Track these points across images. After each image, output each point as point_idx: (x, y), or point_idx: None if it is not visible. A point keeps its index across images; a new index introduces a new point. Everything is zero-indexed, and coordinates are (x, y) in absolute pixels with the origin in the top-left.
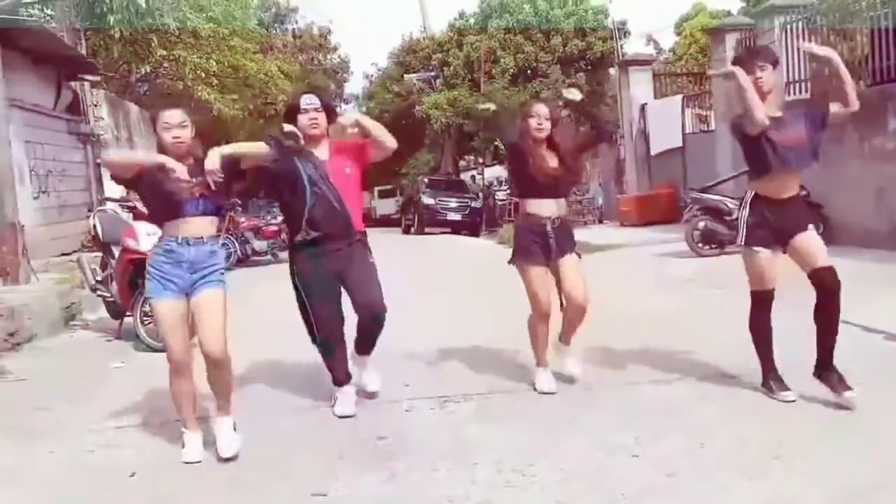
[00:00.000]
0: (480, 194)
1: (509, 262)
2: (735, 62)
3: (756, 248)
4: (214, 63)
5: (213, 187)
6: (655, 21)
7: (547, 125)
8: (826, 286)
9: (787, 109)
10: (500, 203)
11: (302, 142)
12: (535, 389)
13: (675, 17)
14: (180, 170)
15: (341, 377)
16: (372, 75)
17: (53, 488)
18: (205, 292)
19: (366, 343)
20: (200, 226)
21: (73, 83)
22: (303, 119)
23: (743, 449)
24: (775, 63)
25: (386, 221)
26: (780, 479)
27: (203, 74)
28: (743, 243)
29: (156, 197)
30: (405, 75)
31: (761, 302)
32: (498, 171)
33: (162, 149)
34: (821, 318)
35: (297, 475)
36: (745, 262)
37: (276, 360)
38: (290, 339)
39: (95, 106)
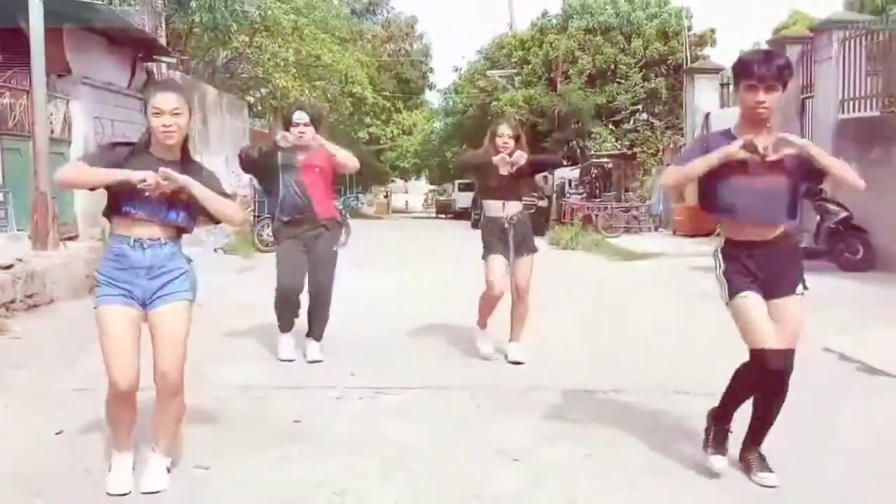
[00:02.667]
0: (550, 194)
1: (482, 258)
2: (739, 67)
3: (744, 294)
4: (293, 52)
5: (182, 196)
6: (751, 31)
7: (511, 143)
8: (776, 368)
9: (778, 143)
10: (571, 205)
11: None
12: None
13: (772, 25)
14: (151, 177)
15: (285, 326)
16: (461, 69)
17: None
18: (163, 307)
19: (316, 322)
20: (158, 228)
21: (148, 65)
22: (293, 131)
23: (623, 463)
24: (787, 82)
25: (464, 214)
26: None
27: (282, 63)
28: (727, 298)
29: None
30: (488, 71)
31: (755, 365)
32: (567, 173)
33: (150, 132)
34: (762, 401)
35: (193, 447)
36: (735, 321)
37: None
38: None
39: None
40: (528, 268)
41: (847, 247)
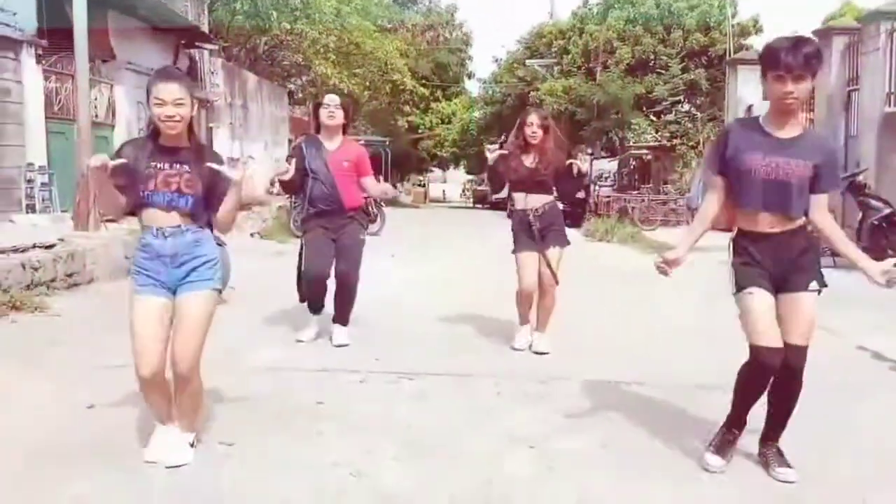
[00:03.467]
0: (588, 186)
1: (512, 252)
2: (766, 57)
3: (749, 290)
4: (334, 39)
5: (194, 183)
6: (799, 20)
7: (539, 132)
8: (790, 365)
9: (807, 133)
10: (604, 197)
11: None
12: (513, 347)
13: (822, 15)
14: (98, 162)
15: (314, 309)
16: (500, 59)
17: (22, 409)
18: (186, 294)
19: (339, 308)
20: (176, 216)
21: (191, 51)
22: (323, 112)
23: (639, 455)
24: (817, 71)
25: (501, 204)
26: (630, 490)
27: (322, 50)
28: (734, 290)
29: (130, 184)
30: (527, 61)
31: (755, 362)
32: (605, 165)
33: (153, 125)
34: (777, 395)
35: (219, 425)
36: (740, 313)
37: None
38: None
39: (212, 73)
40: (556, 260)
41: (890, 243)
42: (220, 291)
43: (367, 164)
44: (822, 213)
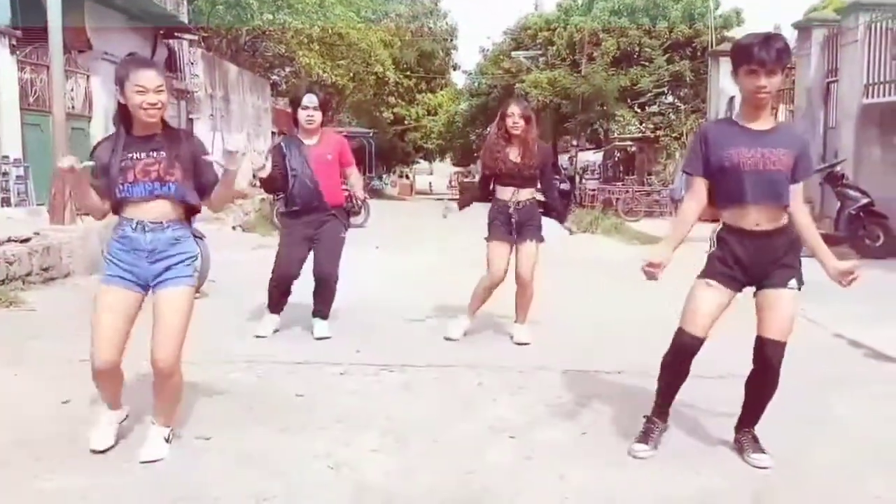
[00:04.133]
0: (573, 177)
1: (485, 238)
2: (737, 53)
3: (709, 281)
4: (318, 29)
5: (174, 169)
6: (782, 12)
7: (521, 123)
8: (768, 361)
9: (781, 126)
10: (589, 190)
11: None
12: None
13: (804, 7)
14: (67, 164)
15: (274, 308)
16: (486, 50)
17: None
18: (164, 290)
19: (319, 303)
20: (158, 209)
21: (169, 41)
22: (302, 114)
23: (618, 443)
24: (787, 64)
25: (489, 197)
26: (612, 477)
27: (306, 40)
28: (698, 276)
29: (107, 176)
30: (513, 52)
31: (680, 346)
32: (591, 157)
33: (125, 113)
34: (754, 388)
35: (196, 419)
36: (688, 294)
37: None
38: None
39: (191, 64)
40: (532, 255)
41: (868, 233)
42: (196, 289)
43: (348, 154)
44: (797, 202)
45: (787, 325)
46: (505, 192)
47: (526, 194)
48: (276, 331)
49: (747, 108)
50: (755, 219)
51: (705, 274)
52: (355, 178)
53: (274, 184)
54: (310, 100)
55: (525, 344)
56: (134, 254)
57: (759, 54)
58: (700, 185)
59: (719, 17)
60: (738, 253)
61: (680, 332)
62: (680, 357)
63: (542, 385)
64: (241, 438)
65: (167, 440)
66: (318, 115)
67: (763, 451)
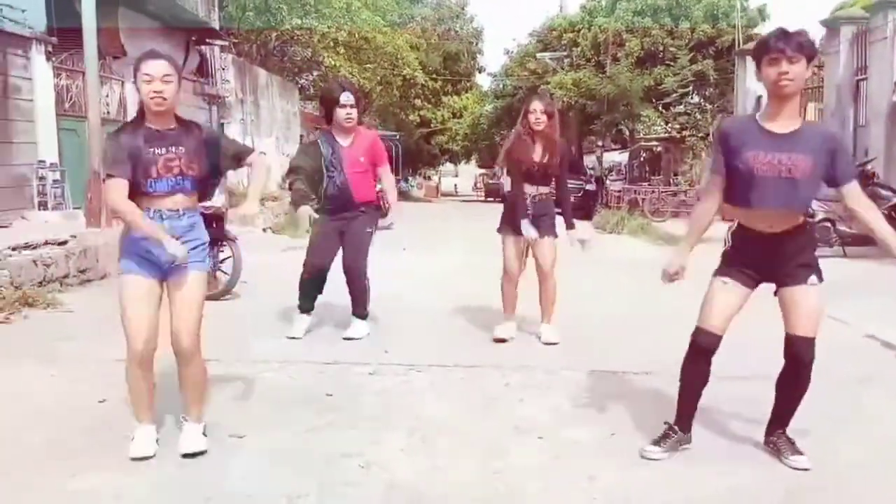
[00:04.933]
0: (599, 178)
1: (497, 231)
2: (759, 46)
3: (724, 279)
4: (345, 33)
5: (193, 163)
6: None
7: (544, 118)
8: (798, 358)
9: (805, 128)
10: (614, 191)
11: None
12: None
13: (831, 5)
14: (179, 254)
15: (304, 306)
16: (511, 51)
17: (34, 404)
18: (181, 276)
19: (354, 300)
20: (176, 199)
21: (201, 47)
22: (340, 112)
23: (644, 444)
24: (812, 56)
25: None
26: (641, 479)
27: (333, 44)
28: (713, 273)
29: (132, 160)
30: (538, 54)
31: (697, 344)
32: (616, 157)
33: (140, 109)
34: (785, 387)
35: (229, 418)
36: (706, 293)
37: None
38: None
39: (222, 69)
40: (551, 249)
41: None
42: (229, 290)
43: (381, 153)
44: (856, 200)
45: (814, 321)
46: (521, 186)
47: (543, 189)
48: (308, 331)
49: (772, 103)
50: (768, 222)
51: (721, 272)
52: (388, 182)
53: (301, 195)
54: (347, 98)
55: (553, 344)
56: (151, 241)
57: (779, 43)
58: (717, 186)
59: (744, 16)
60: (752, 252)
61: (697, 331)
62: (698, 356)
63: (569, 385)
64: (273, 437)
65: (203, 434)
66: (355, 113)
67: (801, 453)
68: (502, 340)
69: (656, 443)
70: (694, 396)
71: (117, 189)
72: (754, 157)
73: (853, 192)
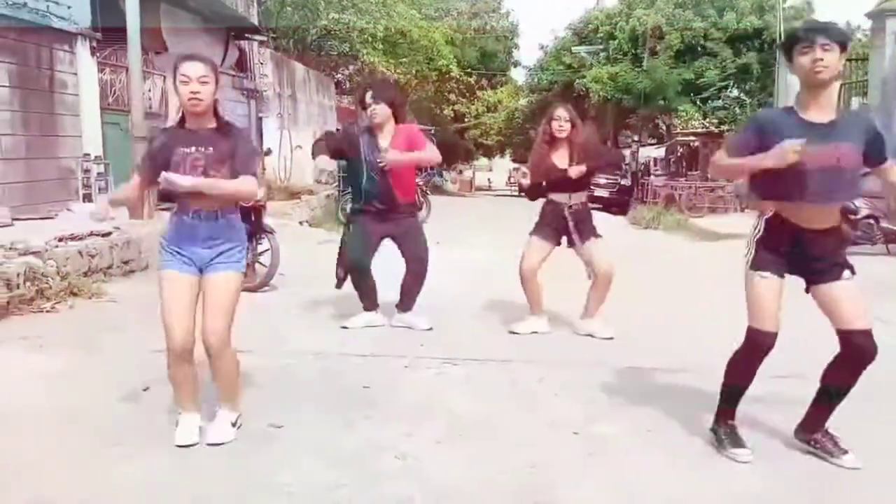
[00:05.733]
0: (635, 173)
1: (530, 234)
2: (789, 37)
3: (763, 274)
4: (381, 28)
5: (220, 164)
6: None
7: (567, 126)
8: (863, 351)
9: (841, 117)
10: (654, 185)
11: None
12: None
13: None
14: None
15: (368, 306)
16: (547, 46)
17: (79, 392)
18: (216, 274)
19: (409, 293)
20: (213, 197)
21: (240, 43)
22: (367, 111)
23: (683, 442)
24: (844, 44)
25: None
26: (686, 477)
27: (370, 38)
28: (748, 265)
29: (153, 164)
30: (574, 48)
31: (755, 345)
32: (652, 152)
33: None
34: (836, 379)
35: (266, 408)
36: (746, 290)
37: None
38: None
39: (261, 64)
40: (603, 249)
41: None
42: (266, 282)
43: (422, 140)
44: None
45: (865, 312)
46: (559, 196)
47: (579, 196)
48: (367, 326)
49: (806, 93)
50: (808, 217)
51: (757, 265)
52: (430, 149)
53: (321, 148)
54: (371, 97)
55: (610, 339)
56: (191, 240)
57: (811, 31)
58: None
59: (790, 9)
60: (786, 244)
61: (753, 332)
62: (754, 356)
63: (604, 382)
64: (310, 428)
65: (234, 425)
66: (380, 109)
67: (847, 451)
68: (532, 333)
69: (738, 444)
70: (740, 396)
71: (129, 183)
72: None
73: (889, 168)
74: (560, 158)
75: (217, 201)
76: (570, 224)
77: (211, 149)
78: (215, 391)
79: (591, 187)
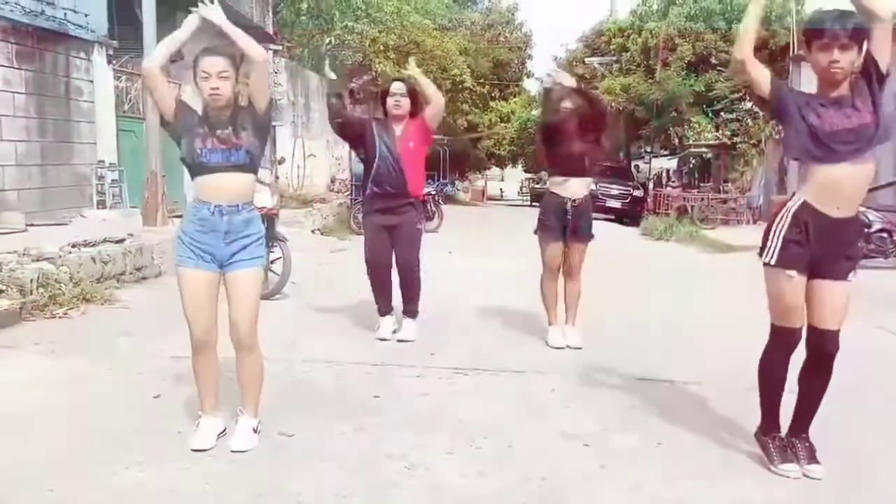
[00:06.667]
0: (644, 182)
1: (534, 233)
2: (812, 25)
3: (790, 273)
4: (395, 38)
5: (245, 135)
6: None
7: (570, 105)
8: (824, 350)
9: (852, 88)
10: (667, 197)
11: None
12: (548, 345)
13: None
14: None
15: (383, 309)
16: (559, 58)
17: (91, 397)
18: (240, 271)
19: (407, 297)
20: (234, 188)
21: None
22: (390, 101)
23: (695, 454)
24: (863, 42)
25: None
26: (694, 487)
27: (383, 48)
28: (773, 261)
29: (188, 142)
30: (586, 59)
31: (783, 343)
32: (664, 163)
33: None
34: (807, 382)
35: (277, 416)
36: (768, 287)
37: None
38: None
39: (276, 73)
40: (582, 252)
41: None
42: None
43: (426, 127)
44: None
45: (843, 314)
46: (561, 188)
47: (581, 190)
48: (395, 331)
49: (821, 86)
50: (840, 199)
51: (784, 262)
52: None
53: (349, 128)
54: (397, 87)
55: (577, 348)
56: (212, 235)
57: (833, 27)
58: (758, 66)
59: (800, 20)
60: (813, 238)
61: (781, 331)
62: (783, 353)
63: (616, 393)
64: (321, 436)
65: (255, 431)
66: (405, 102)
67: (817, 462)
68: (560, 348)
69: (786, 459)
70: (779, 398)
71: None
72: (820, 115)
73: None
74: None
75: (238, 190)
76: (570, 219)
77: (230, 128)
78: (240, 394)
79: (602, 197)
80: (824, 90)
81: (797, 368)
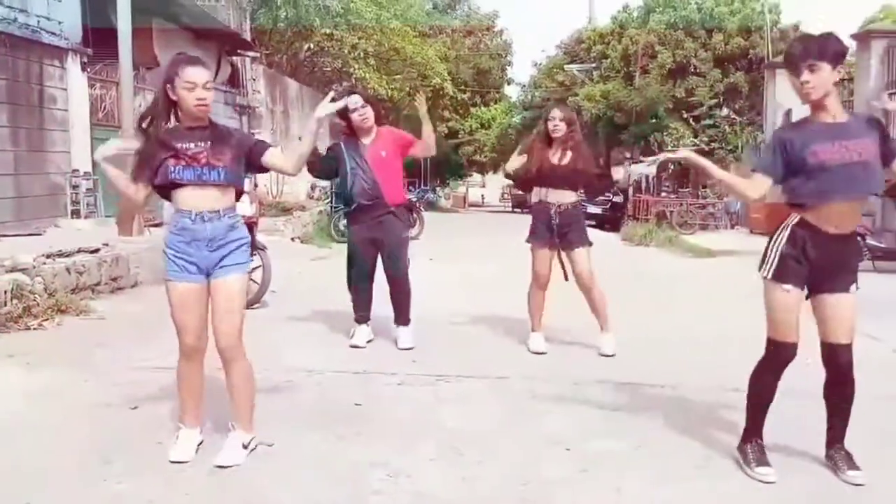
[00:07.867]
0: (625, 188)
1: (526, 241)
2: (786, 58)
3: (787, 287)
4: (374, 44)
5: (224, 155)
6: (838, 25)
7: (562, 126)
8: (837, 365)
9: (852, 117)
10: (645, 200)
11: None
12: (529, 351)
13: (860, 20)
14: (111, 151)
15: (360, 317)
16: (540, 63)
17: (67, 409)
18: (224, 279)
19: (398, 307)
20: (213, 196)
21: (233, 58)
22: (354, 116)
23: (676, 458)
24: (836, 58)
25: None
26: (681, 492)
27: (362, 55)
28: (769, 276)
29: (159, 165)
30: (566, 65)
31: (776, 358)
32: (643, 169)
33: (166, 106)
34: (833, 396)
35: (258, 426)
36: (767, 301)
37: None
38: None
39: (253, 80)
40: (586, 259)
41: None
42: (258, 299)
43: (405, 139)
44: None
45: (852, 328)
46: (538, 194)
47: (563, 197)
48: (369, 341)
49: (810, 109)
50: (837, 220)
51: (780, 277)
52: (421, 143)
53: (320, 167)
54: (356, 101)
55: (610, 356)
56: (195, 244)
57: (797, 51)
58: (764, 186)
59: (777, 30)
60: (811, 253)
61: (776, 345)
62: (777, 367)
63: (597, 398)
64: (302, 445)
65: (246, 447)
66: (368, 111)
67: (858, 468)
68: (541, 353)
69: (763, 462)
70: (768, 405)
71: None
72: (822, 149)
73: None
74: (554, 156)
75: (219, 189)
76: (555, 224)
77: (209, 143)
78: (231, 409)
79: (583, 203)
80: (815, 108)
81: (793, 375)
